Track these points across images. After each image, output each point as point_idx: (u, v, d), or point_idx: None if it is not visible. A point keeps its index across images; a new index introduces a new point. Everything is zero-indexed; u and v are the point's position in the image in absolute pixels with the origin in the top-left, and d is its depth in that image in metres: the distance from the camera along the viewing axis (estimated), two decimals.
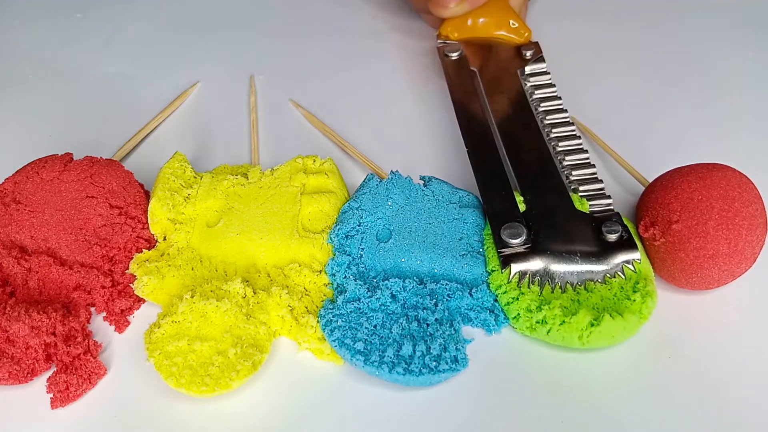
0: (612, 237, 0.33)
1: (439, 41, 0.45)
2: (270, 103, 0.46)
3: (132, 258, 0.35)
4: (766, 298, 0.34)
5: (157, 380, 0.30)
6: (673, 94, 0.45)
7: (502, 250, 0.33)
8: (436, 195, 0.36)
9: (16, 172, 0.36)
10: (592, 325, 0.31)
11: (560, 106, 0.40)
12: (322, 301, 0.33)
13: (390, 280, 0.33)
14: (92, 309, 0.34)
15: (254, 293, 0.33)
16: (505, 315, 0.33)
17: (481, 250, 0.34)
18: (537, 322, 0.31)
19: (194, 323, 0.32)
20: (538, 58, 0.42)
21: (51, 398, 0.30)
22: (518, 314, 0.32)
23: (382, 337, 0.31)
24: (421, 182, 0.37)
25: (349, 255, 0.34)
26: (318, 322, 0.32)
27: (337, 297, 0.33)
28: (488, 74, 0.42)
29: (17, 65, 0.49)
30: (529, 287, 0.32)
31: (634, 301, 0.31)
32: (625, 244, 0.33)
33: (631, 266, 0.32)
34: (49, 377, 0.31)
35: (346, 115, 0.44)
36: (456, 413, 0.30)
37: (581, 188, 0.36)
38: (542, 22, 0.49)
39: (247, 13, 0.53)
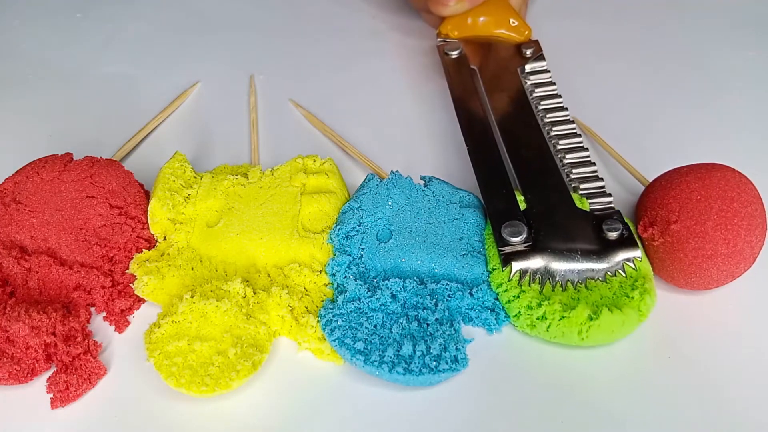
0: (613, 235, 0.33)
1: (439, 40, 0.45)
2: (270, 103, 0.46)
3: (132, 258, 0.35)
4: (766, 298, 0.34)
5: (157, 380, 0.30)
6: (673, 94, 0.45)
7: (503, 248, 0.33)
8: (437, 195, 0.36)
9: (16, 172, 0.36)
10: (591, 319, 0.31)
11: (560, 104, 0.40)
12: (322, 301, 0.33)
13: (390, 280, 0.33)
14: (92, 309, 0.34)
15: (254, 293, 0.33)
16: (505, 313, 0.33)
17: (481, 249, 0.34)
18: (537, 319, 0.31)
19: (194, 323, 0.32)
20: (538, 56, 0.42)
21: (51, 398, 0.30)
22: (519, 312, 0.32)
23: (382, 336, 0.31)
24: (422, 182, 0.37)
25: (350, 255, 0.34)
26: (318, 321, 0.32)
27: (338, 297, 0.33)
28: (488, 72, 0.42)
29: (17, 65, 0.49)
30: (529, 285, 0.32)
31: (632, 298, 0.31)
32: (626, 242, 0.33)
33: (631, 264, 0.32)
34: (49, 377, 0.31)
35: (346, 115, 0.44)
36: (456, 413, 0.30)
37: (581, 186, 0.36)
38: (542, 22, 0.49)
39: (247, 13, 0.53)
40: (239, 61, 0.49)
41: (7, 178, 0.36)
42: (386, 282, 0.33)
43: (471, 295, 0.33)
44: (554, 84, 0.41)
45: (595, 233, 0.33)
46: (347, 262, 0.34)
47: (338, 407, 0.30)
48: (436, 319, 0.32)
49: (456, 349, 0.31)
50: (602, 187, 0.36)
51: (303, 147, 0.42)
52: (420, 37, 0.50)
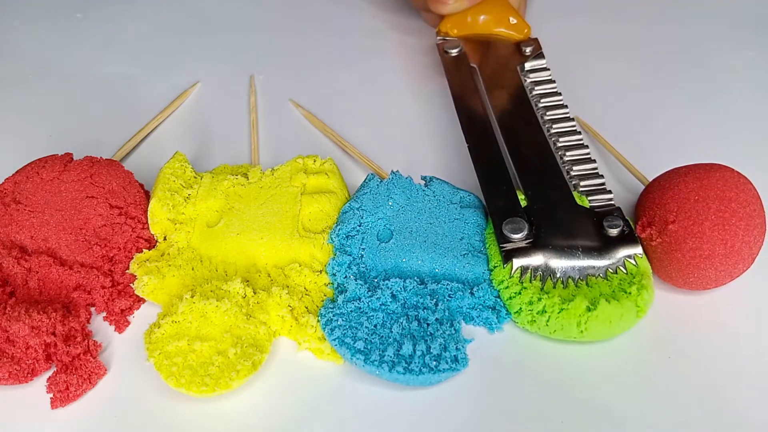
0: (613, 232, 0.33)
1: (438, 38, 0.45)
2: (270, 103, 0.46)
3: (132, 258, 0.35)
4: (765, 298, 0.34)
5: (157, 380, 0.30)
6: (673, 94, 0.45)
7: (504, 245, 0.33)
8: (437, 195, 0.36)
9: (16, 172, 0.36)
10: (589, 310, 0.31)
11: (560, 102, 0.40)
12: (323, 301, 0.33)
13: (390, 279, 0.33)
14: (92, 309, 0.34)
15: (254, 293, 0.33)
16: (507, 310, 0.33)
17: (482, 249, 0.34)
18: (537, 313, 0.31)
19: (194, 323, 0.32)
20: (538, 54, 0.42)
21: (51, 398, 0.30)
22: (520, 308, 0.32)
23: (383, 336, 0.31)
24: (422, 182, 0.37)
25: (350, 255, 0.34)
26: (318, 321, 0.32)
27: (338, 296, 0.33)
28: (488, 70, 0.42)
29: (17, 65, 0.49)
30: (530, 282, 0.32)
31: (630, 293, 0.31)
32: (627, 238, 0.33)
33: (632, 261, 0.32)
34: (49, 377, 0.31)
35: (346, 115, 0.44)
36: (456, 413, 0.30)
37: (582, 183, 0.36)
38: (542, 21, 0.48)
39: (247, 13, 0.53)
40: (239, 61, 0.49)
41: (7, 178, 0.36)
42: (386, 282, 0.33)
43: (472, 294, 0.33)
44: (554, 82, 0.41)
45: (595, 230, 0.33)
46: (348, 262, 0.34)
47: (338, 407, 0.30)
48: (437, 319, 0.32)
49: (456, 348, 0.31)
50: (602, 184, 0.36)
51: (303, 147, 0.42)
52: (420, 36, 0.50)
